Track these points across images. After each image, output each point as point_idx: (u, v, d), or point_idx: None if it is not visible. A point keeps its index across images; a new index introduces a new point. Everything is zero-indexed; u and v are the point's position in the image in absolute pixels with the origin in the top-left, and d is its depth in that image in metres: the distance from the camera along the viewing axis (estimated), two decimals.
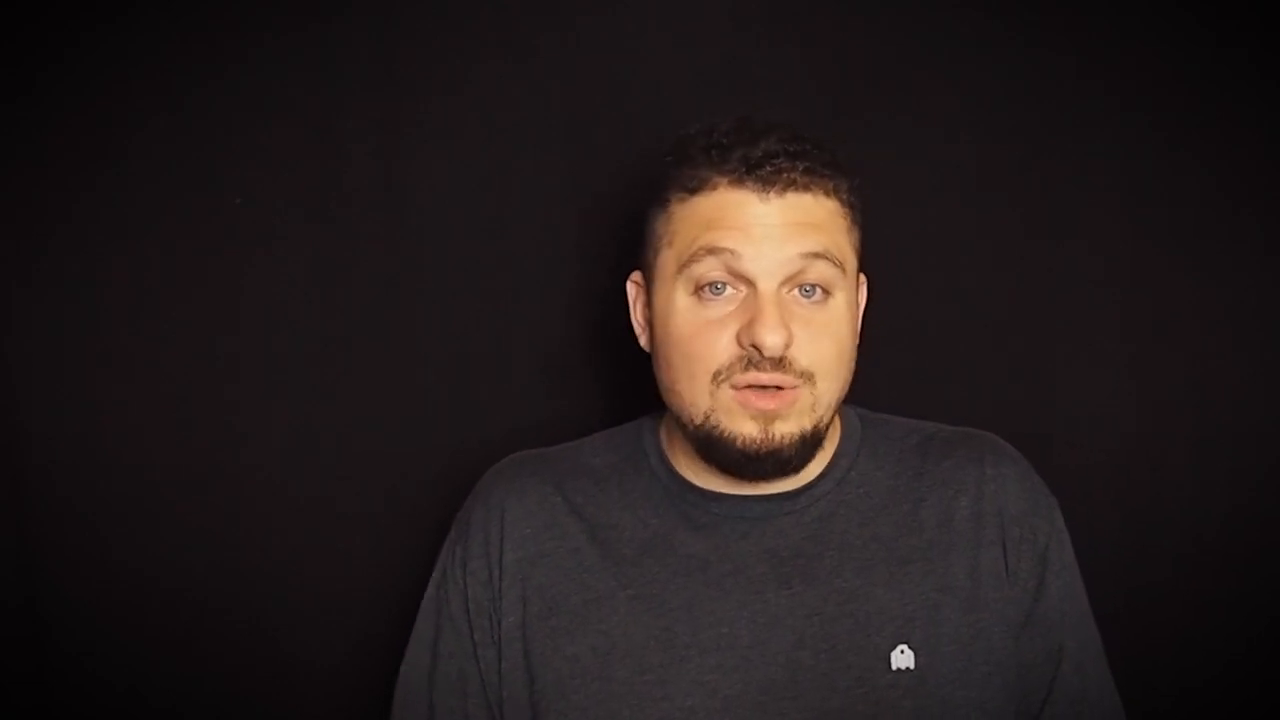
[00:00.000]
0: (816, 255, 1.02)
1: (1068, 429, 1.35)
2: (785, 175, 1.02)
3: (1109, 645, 1.10)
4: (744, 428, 1.02)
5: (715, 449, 1.04)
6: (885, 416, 1.16)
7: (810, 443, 1.04)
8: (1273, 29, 1.31)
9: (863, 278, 1.12)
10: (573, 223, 1.36)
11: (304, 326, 1.33)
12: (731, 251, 1.01)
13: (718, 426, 1.03)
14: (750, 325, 1.00)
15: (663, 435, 1.14)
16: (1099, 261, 1.35)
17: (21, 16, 1.26)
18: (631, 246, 1.13)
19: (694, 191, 1.04)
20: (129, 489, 1.30)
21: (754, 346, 1.00)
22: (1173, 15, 1.33)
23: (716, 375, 1.02)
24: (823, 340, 1.03)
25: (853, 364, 1.07)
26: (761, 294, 1.01)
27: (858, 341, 1.09)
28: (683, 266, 1.03)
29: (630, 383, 1.19)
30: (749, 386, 1.01)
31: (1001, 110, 1.35)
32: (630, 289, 1.13)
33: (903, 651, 1.03)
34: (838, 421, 1.12)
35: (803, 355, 1.01)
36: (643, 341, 1.12)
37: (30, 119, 1.27)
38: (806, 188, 1.03)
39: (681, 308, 1.04)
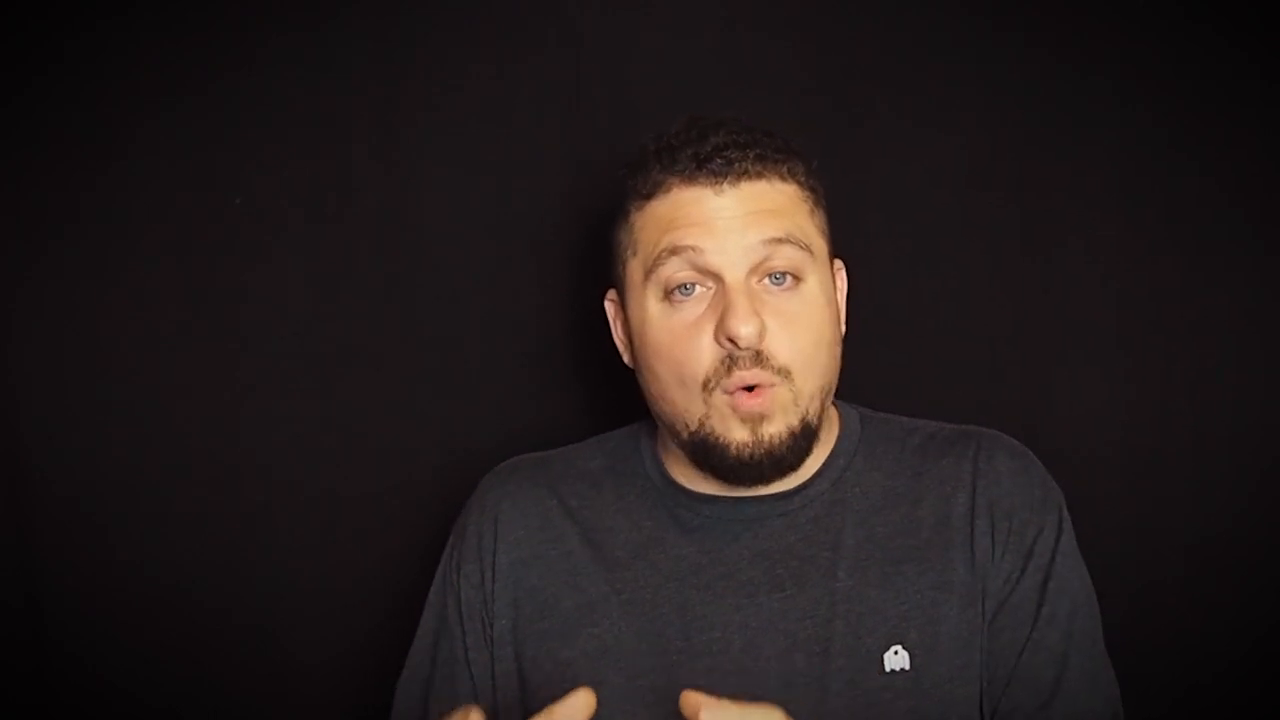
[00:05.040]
0: (780, 240, 1.00)
1: (1067, 429, 1.35)
2: (737, 165, 1.01)
3: (1110, 646, 1.09)
4: (736, 434, 1.00)
5: (710, 456, 1.02)
6: (887, 416, 1.14)
7: (802, 437, 1.02)
8: (1273, 29, 1.31)
9: (839, 264, 1.11)
10: (571, 226, 1.35)
11: (303, 327, 1.33)
12: (694, 248, 1.00)
13: (712, 433, 1.01)
14: (723, 319, 0.99)
15: (658, 439, 1.12)
16: (1099, 261, 1.35)
17: (21, 16, 1.26)
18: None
19: (649, 196, 1.03)
20: (129, 489, 1.31)
21: (729, 340, 0.99)
22: (1173, 15, 1.33)
23: (706, 383, 1.00)
24: (797, 329, 1.01)
25: (836, 351, 1.05)
26: (730, 286, 1.00)
27: (842, 329, 1.07)
28: (649, 272, 1.02)
29: (627, 386, 1.19)
30: (739, 389, 1.00)
31: (1000, 110, 1.34)
32: (609, 308, 1.12)
33: (896, 652, 1.01)
34: (835, 419, 1.11)
35: (780, 350, 1.00)
36: (626, 358, 1.11)
37: (30, 119, 1.27)
38: (760, 175, 1.02)
39: (654, 315, 1.03)
